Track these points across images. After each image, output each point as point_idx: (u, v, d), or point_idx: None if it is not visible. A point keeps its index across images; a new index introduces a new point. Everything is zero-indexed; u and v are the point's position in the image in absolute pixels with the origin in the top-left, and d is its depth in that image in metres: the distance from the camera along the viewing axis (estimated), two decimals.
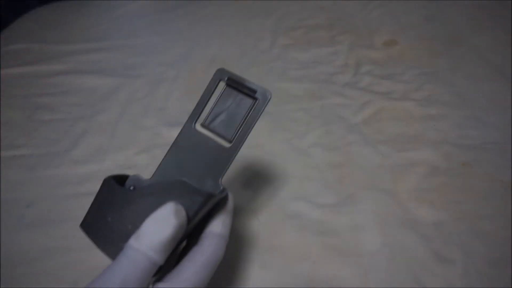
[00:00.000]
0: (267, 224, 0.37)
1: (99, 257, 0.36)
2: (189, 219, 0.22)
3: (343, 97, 0.51)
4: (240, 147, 0.26)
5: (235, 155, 0.26)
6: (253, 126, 0.26)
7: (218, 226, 0.24)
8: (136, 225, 0.21)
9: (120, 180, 0.25)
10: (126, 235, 0.21)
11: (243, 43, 0.65)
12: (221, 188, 0.25)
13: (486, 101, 0.48)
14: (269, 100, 0.26)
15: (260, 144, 0.46)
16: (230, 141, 0.26)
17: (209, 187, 0.25)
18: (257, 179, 0.42)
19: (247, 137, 0.26)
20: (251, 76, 0.59)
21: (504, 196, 0.37)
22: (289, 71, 0.57)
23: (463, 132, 0.44)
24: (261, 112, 0.26)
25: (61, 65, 0.63)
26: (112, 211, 0.23)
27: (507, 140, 0.42)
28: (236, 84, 0.27)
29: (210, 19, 0.73)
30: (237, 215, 0.38)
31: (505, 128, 0.44)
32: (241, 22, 0.70)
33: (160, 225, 0.20)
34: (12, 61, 0.65)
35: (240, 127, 0.26)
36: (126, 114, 0.53)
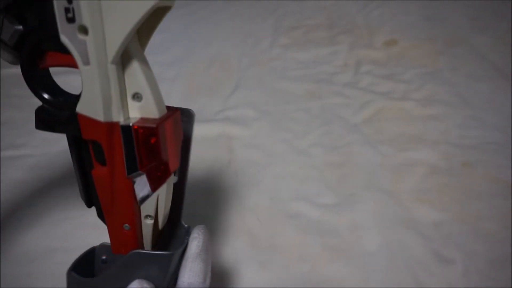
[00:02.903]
0: (267, 224, 0.37)
1: None
2: None
3: (343, 97, 0.51)
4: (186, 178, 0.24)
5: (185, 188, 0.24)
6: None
7: (184, 277, 0.21)
8: None
9: (88, 256, 0.24)
10: None
11: (243, 43, 0.65)
12: (186, 226, 0.24)
13: (486, 101, 0.47)
14: None
15: (260, 144, 0.46)
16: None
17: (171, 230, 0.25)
18: (257, 179, 0.42)
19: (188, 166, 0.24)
20: (251, 76, 0.59)
21: (504, 196, 0.37)
22: (289, 71, 0.57)
23: (463, 132, 0.44)
24: None
25: None
26: None
27: (507, 140, 0.42)
28: None
29: (210, 19, 0.73)
30: (237, 215, 0.38)
31: (505, 128, 0.44)
32: (241, 22, 0.70)
33: None
34: None
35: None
36: None
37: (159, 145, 0.19)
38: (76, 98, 0.19)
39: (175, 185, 0.23)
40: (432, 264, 0.32)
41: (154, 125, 0.18)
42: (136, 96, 0.19)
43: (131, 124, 0.19)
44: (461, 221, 0.35)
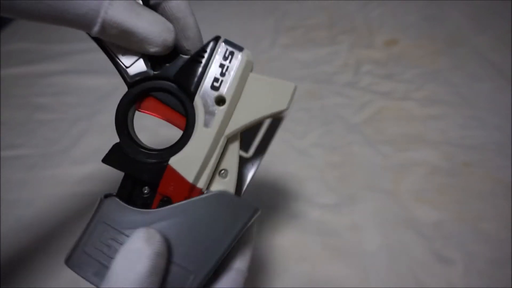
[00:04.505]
0: (267, 224, 0.37)
1: None
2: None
3: (343, 97, 0.51)
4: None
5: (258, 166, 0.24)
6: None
7: (236, 260, 0.20)
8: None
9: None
10: None
11: (243, 43, 0.64)
12: (253, 206, 0.21)
13: (487, 101, 0.47)
14: None
15: None
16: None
17: None
18: (257, 179, 0.42)
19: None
20: None
21: (504, 196, 0.37)
22: (289, 71, 0.57)
23: (464, 132, 0.44)
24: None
25: (61, 65, 0.63)
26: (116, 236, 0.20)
27: (507, 140, 0.42)
28: None
29: (210, 19, 0.73)
30: None
31: (506, 128, 0.44)
32: (241, 22, 0.70)
33: (130, 260, 0.17)
34: (12, 61, 0.64)
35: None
36: None
37: None
38: (167, 150, 0.20)
39: (249, 159, 0.24)
40: (432, 264, 0.32)
41: None
42: (222, 172, 0.20)
43: None
44: (461, 221, 0.35)
